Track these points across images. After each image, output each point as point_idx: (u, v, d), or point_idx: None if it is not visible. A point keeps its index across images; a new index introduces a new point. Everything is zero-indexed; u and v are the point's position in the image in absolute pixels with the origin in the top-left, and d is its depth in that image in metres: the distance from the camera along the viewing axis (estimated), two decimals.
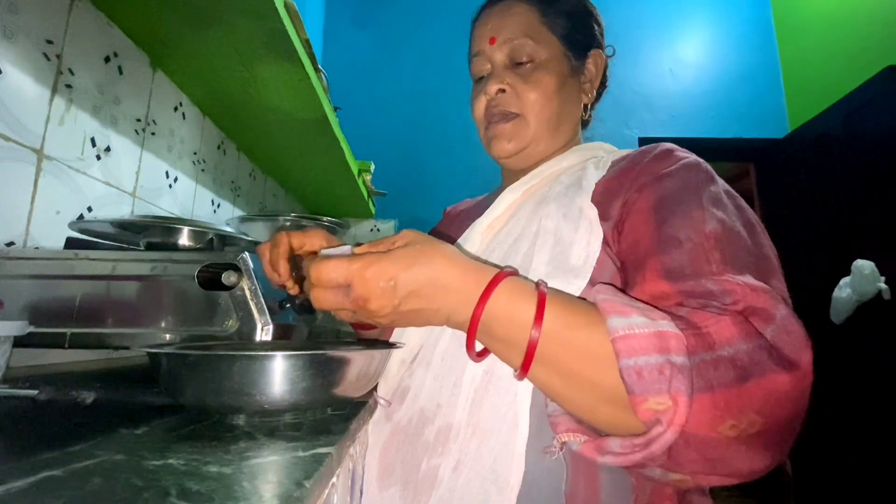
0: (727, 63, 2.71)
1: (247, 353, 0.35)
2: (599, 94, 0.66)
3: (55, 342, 0.54)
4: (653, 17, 2.76)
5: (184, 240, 0.65)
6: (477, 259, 0.40)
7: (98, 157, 0.83)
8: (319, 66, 1.09)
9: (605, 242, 0.44)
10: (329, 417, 0.39)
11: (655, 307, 0.36)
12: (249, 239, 0.70)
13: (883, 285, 1.70)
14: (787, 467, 2.24)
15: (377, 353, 0.41)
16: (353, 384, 0.39)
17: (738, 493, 2.55)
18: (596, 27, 0.63)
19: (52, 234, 0.71)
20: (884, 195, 1.83)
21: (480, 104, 0.60)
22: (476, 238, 0.54)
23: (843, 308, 1.83)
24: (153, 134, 1.00)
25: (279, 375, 0.34)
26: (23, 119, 0.66)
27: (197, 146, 1.19)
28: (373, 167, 1.90)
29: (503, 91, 0.57)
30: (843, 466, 1.91)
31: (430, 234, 0.73)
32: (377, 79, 2.68)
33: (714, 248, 0.38)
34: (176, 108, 1.08)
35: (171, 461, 0.26)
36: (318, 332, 0.70)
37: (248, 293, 0.55)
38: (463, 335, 0.37)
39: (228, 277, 0.54)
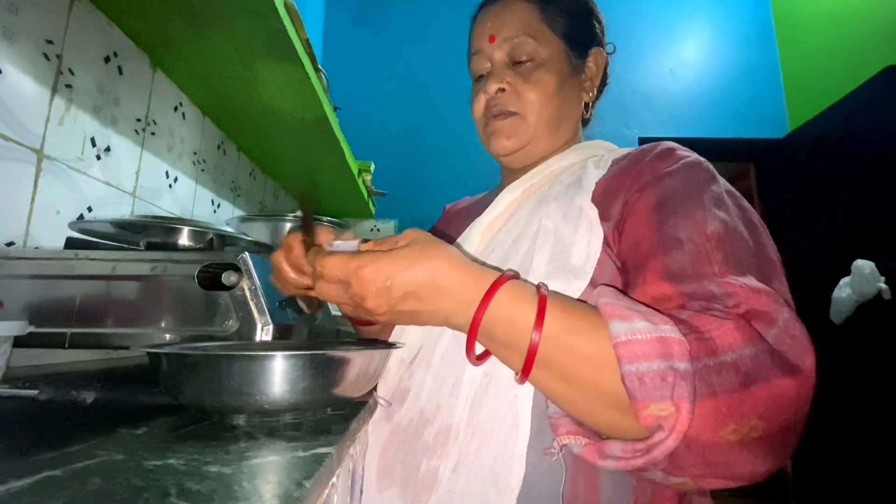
0: (727, 63, 2.71)
1: (247, 353, 0.35)
2: (600, 92, 0.65)
3: (55, 342, 0.54)
4: (653, 17, 2.77)
5: (184, 240, 0.65)
6: (477, 261, 0.40)
7: (98, 157, 0.83)
8: (319, 66, 1.09)
9: (606, 243, 0.44)
10: (329, 417, 0.39)
11: (657, 310, 0.35)
12: (249, 239, 0.70)
13: (883, 285, 1.70)
14: (787, 468, 2.24)
15: (377, 353, 0.41)
16: (353, 384, 0.39)
17: (738, 493, 2.55)
18: (596, 25, 0.63)
19: (52, 234, 0.71)
20: (884, 195, 1.83)
21: (480, 103, 0.59)
22: (475, 237, 0.54)
23: (843, 308, 1.83)
24: (153, 134, 1.00)
25: (279, 375, 0.34)
26: (23, 119, 0.66)
27: (197, 146, 1.19)
28: (373, 167, 1.90)
29: (503, 90, 0.57)
30: (843, 466, 1.91)
31: (429, 232, 0.73)
32: (377, 79, 2.68)
33: (716, 248, 0.38)
34: (176, 108, 1.08)
35: (171, 461, 0.26)
36: (318, 332, 0.70)
37: (248, 293, 0.55)
38: (463, 336, 0.37)
39: (228, 277, 0.54)
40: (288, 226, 1.10)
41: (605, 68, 0.64)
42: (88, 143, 0.80)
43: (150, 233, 0.65)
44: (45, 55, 0.70)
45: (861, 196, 1.94)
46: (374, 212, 2.23)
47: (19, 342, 0.45)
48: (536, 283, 0.39)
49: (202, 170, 1.22)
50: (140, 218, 0.71)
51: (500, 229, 0.53)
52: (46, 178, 0.70)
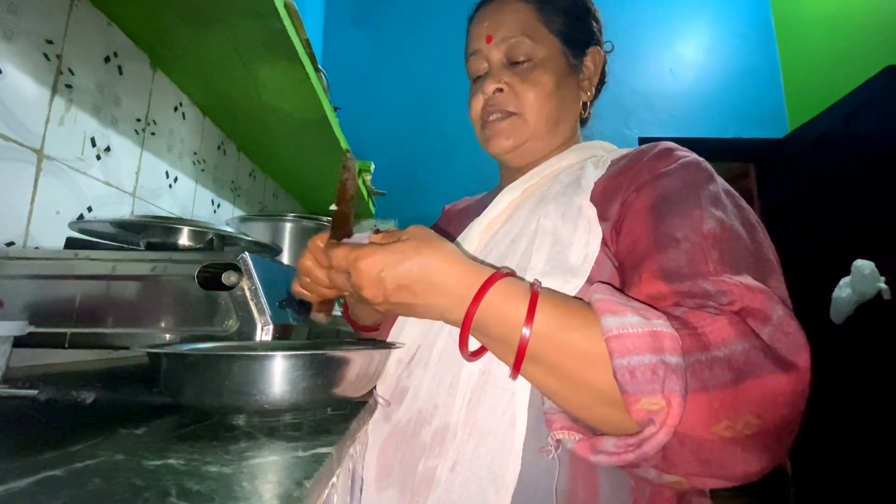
0: (727, 63, 2.71)
1: (247, 353, 0.35)
2: (598, 91, 0.65)
3: (55, 342, 0.54)
4: (653, 17, 2.77)
5: (184, 240, 0.65)
6: (475, 259, 0.40)
7: (98, 157, 0.83)
8: (319, 66, 1.09)
9: (604, 242, 0.44)
10: (329, 417, 0.39)
11: (652, 307, 0.36)
12: (249, 239, 0.70)
13: (883, 285, 1.70)
14: (787, 467, 2.24)
15: (377, 353, 0.41)
16: (353, 384, 0.39)
17: (737, 493, 2.55)
18: (594, 24, 0.63)
19: (52, 234, 0.71)
20: (884, 195, 1.83)
21: (477, 103, 0.59)
22: (474, 237, 0.54)
23: (843, 308, 1.83)
24: (153, 134, 1.00)
25: (279, 375, 0.34)
26: (23, 119, 0.66)
27: (197, 146, 1.19)
28: (373, 167, 1.90)
29: (500, 90, 0.57)
30: (843, 466, 1.91)
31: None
32: (377, 79, 2.68)
33: (712, 247, 0.38)
34: (176, 108, 1.08)
35: (171, 461, 0.26)
36: (318, 332, 0.70)
37: (248, 293, 0.55)
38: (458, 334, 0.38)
39: (228, 277, 0.54)
40: (288, 226, 1.10)
41: (604, 67, 0.64)
42: (88, 143, 0.80)
43: (150, 233, 0.65)
44: (45, 55, 0.70)
45: (861, 196, 1.94)
46: (374, 212, 2.23)
47: (19, 342, 0.45)
48: (531, 281, 0.39)
49: (202, 170, 1.22)
50: (140, 218, 0.71)
51: (498, 229, 0.53)
52: (46, 178, 0.70)
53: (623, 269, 0.43)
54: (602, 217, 0.46)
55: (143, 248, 0.65)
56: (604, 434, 0.35)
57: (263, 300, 0.55)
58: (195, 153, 1.18)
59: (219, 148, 1.31)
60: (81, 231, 0.67)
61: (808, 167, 2.27)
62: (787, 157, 2.44)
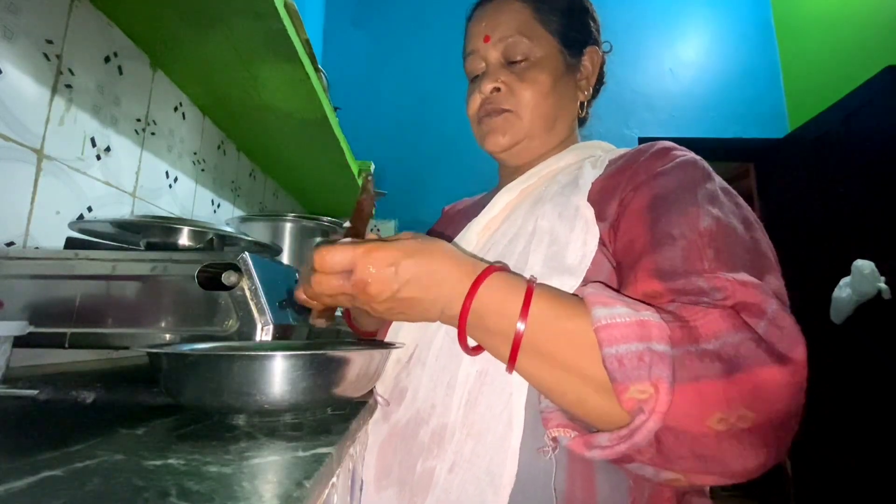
0: (727, 63, 2.71)
1: (247, 353, 0.35)
2: (597, 91, 0.65)
3: (55, 342, 0.54)
4: (653, 17, 2.77)
5: (184, 240, 0.65)
6: (473, 256, 0.40)
7: (98, 157, 0.83)
8: (319, 66, 1.09)
9: (602, 242, 0.44)
10: (329, 417, 0.40)
11: (646, 303, 0.36)
12: (249, 239, 0.70)
13: (883, 285, 1.70)
14: (787, 467, 2.24)
15: (377, 353, 0.41)
16: (353, 384, 0.39)
17: (738, 493, 2.55)
18: (591, 24, 0.63)
19: (52, 234, 0.71)
20: (884, 195, 1.83)
21: (475, 102, 0.60)
22: (472, 238, 0.54)
23: (843, 308, 1.83)
24: (153, 134, 1.00)
25: (279, 375, 0.34)
26: (23, 119, 0.66)
27: (197, 146, 1.19)
28: (373, 167, 1.90)
29: (498, 89, 0.57)
30: (843, 466, 1.91)
31: (427, 233, 0.73)
32: (377, 79, 2.68)
33: (708, 245, 0.38)
34: (176, 108, 1.08)
35: (171, 461, 0.26)
36: (318, 332, 0.70)
37: (248, 293, 0.55)
38: (456, 334, 0.38)
39: (228, 277, 0.54)
40: (288, 226, 1.10)
41: (602, 67, 0.64)
42: (88, 143, 0.80)
43: (150, 233, 0.65)
44: (45, 55, 0.70)
45: (861, 196, 1.94)
46: (374, 212, 2.23)
47: (19, 342, 0.45)
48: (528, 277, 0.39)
49: (202, 170, 1.22)
50: (140, 218, 0.71)
51: (496, 230, 0.53)
52: (46, 178, 0.70)
53: (620, 269, 0.43)
54: (600, 217, 0.46)
55: (143, 248, 0.65)
56: (598, 430, 0.35)
57: (263, 300, 0.55)
58: (195, 153, 1.18)
59: (219, 148, 1.31)
60: (81, 231, 0.67)
61: (808, 167, 2.27)
62: (787, 157, 2.44)
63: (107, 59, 0.84)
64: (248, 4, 0.76)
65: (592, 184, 0.50)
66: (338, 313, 0.76)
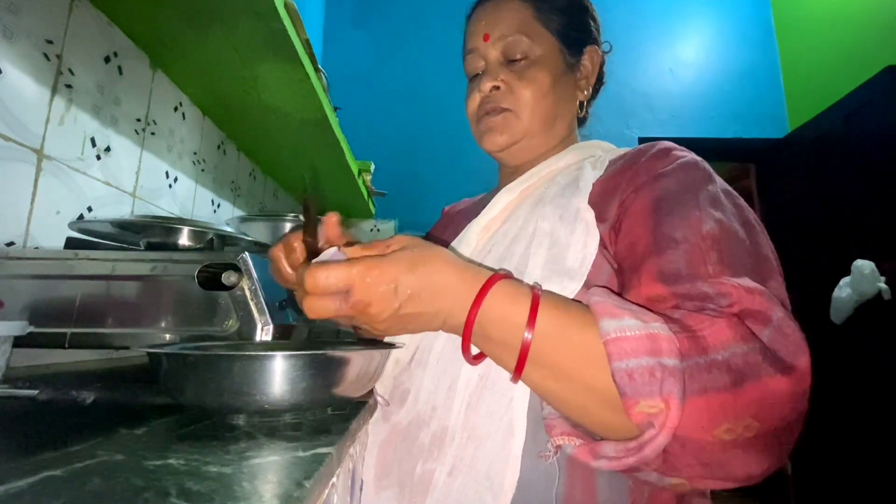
0: (727, 63, 2.71)
1: (247, 353, 0.35)
2: (596, 91, 0.65)
3: (55, 342, 0.54)
4: (653, 17, 2.76)
5: (184, 240, 0.65)
6: (473, 262, 0.40)
7: (98, 157, 0.83)
8: (319, 66, 1.09)
9: (603, 244, 0.44)
10: (329, 417, 0.39)
11: (650, 310, 0.35)
12: (249, 239, 0.70)
13: (883, 285, 1.70)
14: (787, 468, 2.24)
15: (377, 353, 0.41)
16: (353, 384, 0.39)
17: (737, 493, 2.55)
18: (591, 23, 0.62)
19: (52, 234, 0.71)
20: (884, 195, 1.83)
21: (474, 101, 0.59)
22: (472, 239, 0.54)
23: (843, 308, 1.83)
24: (153, 134, 1.00)
25: (279, 375, 0.34)
26: (23, 119, 0.66)
27: (197, 146, 1.19)
28: (373, 167, 1.90)
29: (497, 88, 0.57)
30: (843, 466, 1.91)
31: (426, 234, 0.73)
32: (377, 79, 2.68)
33: (711, 249, 0.38)
34: (176, 108, 1.08)
35: (171, 461, 0.26)
36: (318, 332, 0.70)
37: (248, 293, 0.55)
38: (458, 338, 0.37)
39: (228, 277, 0.54)
40: (288, 226, 1.10)
41: (601, 67, 0.64)
42: (88, 143, 0.80)
43: (150, 233, 0.65)
44: (45, 55, 0.70)
45: (861, 196, 1.94)
46: (374, 212, 2.23)
47: (19, 342, 0.45)
48: (531, 284, 0.39)
49: (202, 170, 1.22)
50: (140, 218, 0.71)
51: (496, 231, 0.53)
52: (46, 178, 0.70)
53: (622, 271, 0.43)
54: (600, 218, 0.46)
55: (143, 248, 0.65)
56: (604, 439, 0.35)
57: (263, 300, 0.55)
58: (195, 153, 1.18)
59: (219, 148, 1.31)
60: (81, 231, 0.67)
61: (808, 167, 2.27)
62: (787, 157, 2.44)
63: (107, 59, 0.84)
64: (248, 4, 0.76)
65: (593, 185, 0.49)
66: None
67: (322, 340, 0.71)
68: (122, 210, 0.90)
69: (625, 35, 2.66)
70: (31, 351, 0.55)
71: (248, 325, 0.54)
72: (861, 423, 1.85)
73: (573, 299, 0.40)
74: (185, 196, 1.14)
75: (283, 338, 0.56)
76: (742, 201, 0.44)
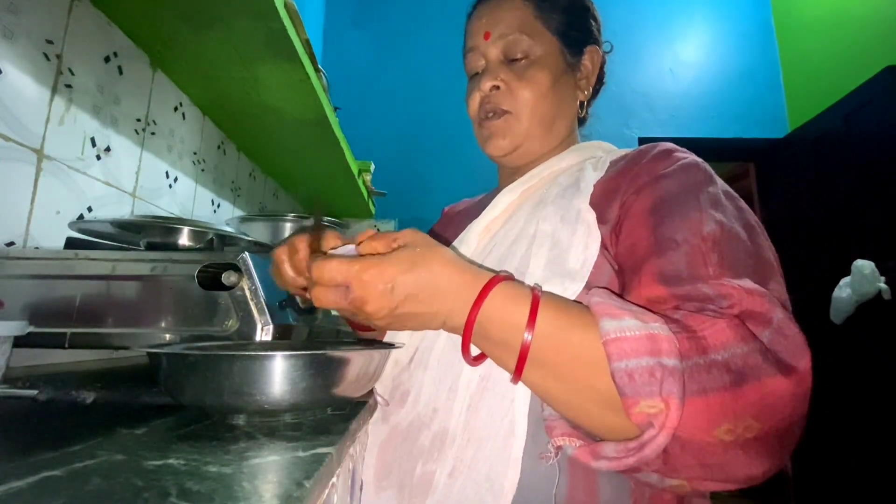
0: (727, 63, 2.71)
1: (247, 353, 0.35)
2: (597, 91, 0.65)
3: (55, 342, 0.54)
4: (653, 17, 2.76)
5: (184, 240, 0.65)
6: (474, 263, 0.40)
7: (98, 157, 0.83)
8: (319, 66, 1.09)
9: (604, 245, 0.44)
10: (329, 417, 0.39)
11: (650, 311, 0.35)
12: (249, 239, 0.70)
13: (883, 285, 1.70)
14: (787, 468, 2.24)
15: (377, 353, 0.41)
16: (353, 384, 0.39)
17: (738, 493, 2.55)
18: (592, 23, 0.62)
19: (52, 234, 0.71)
20: (884, 195, 1.83)
21: (475, 101, 0.59)
22: (472, 239, 0.53)
23: (843, 308, 1.83)
24: (153, 134, 1.00)
25: (279, 375, 0.34)
26: (23, 119, 0.66)
27: (197, 146, 1.19)
28: (373, 167, 1.90)
29: (497, 88, 0.57)
30: (843, 466, 1.91)
31: (428, 233, 0.73)
32: (377, 79, 2.68)
33: (711, 250, 0.38)
34: (176, 108, 1.08)
35: (171, 461, 0.26)
36: (317, 332, 0.70)
37: (248, 293, 0.55)
38: (458, 339, 0.38)
39: (228, 277, 0.54)
40: (288, 226, 1.10)
41: (602, 67, 0.64)
42: (88, 143, 0.80)
43: (150, 233, 0.65)
44: (45, 55, 0.70)
45: (861, 196, 1.94)
46: (374, 212, 2.23)
47: (19, 342, 0.45)
48: (532, 285, 0.39)
49: (202, 170, 1.22)
50: (140, 218, 0.71)
51: (497, 231, 0.53)
52: (46, 178, 0.70)
53: (622, 273, 0.43)
54: (601, 220, 0.45)
55: (143, 248, 0.65)
56: (604, 440, 0.35)
57: (263, 300, 0.55)
58: (195, 153, 1.18)
59: (219, 148, 1.31)
60: (81, 231, 0.67)
61: (808, 167, 2.27)
62: (787, 157, 2.44)
63: (107, 59, 0.84)
64: (248, 4, 0.76)
65: (594, 186, 0.49)
66: (335, 312, 0.76)
67: (322, 340, 0.71)
68: (122, 210, 0.90)
69: (625, 35, 2.66)
70: (31, 351, 0.55)
71: (248, 325, 0.54)
72: (861, 423, 1.85)
73: (574, 300, 0.40)
74: (185, 196, 1.14)
75: (283, 338, 0.56)
76: (743, 203, 0.43)
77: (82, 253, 0.57)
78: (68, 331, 0.54)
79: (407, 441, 0.44)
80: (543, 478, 0.38)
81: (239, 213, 1.44)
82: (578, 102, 0.61)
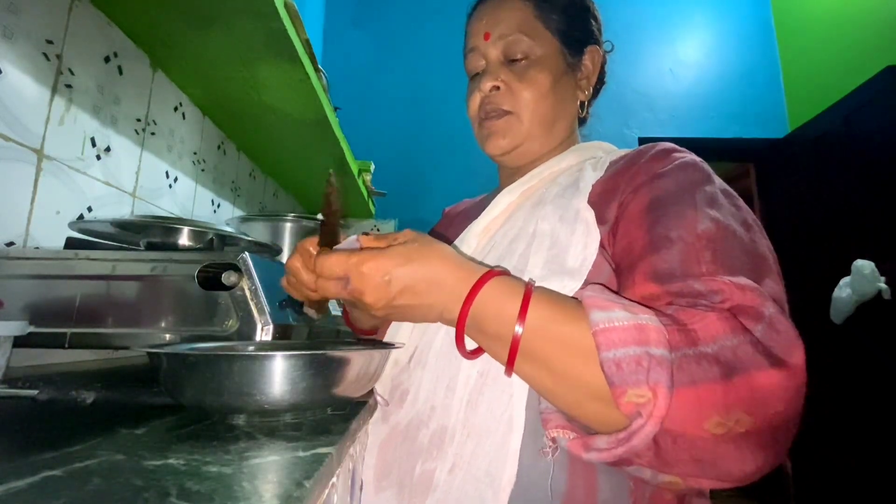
0: (727, 63, 2.71)
1: (247, 353, 0.35)
2: (597, 91, 0.65)
3: (55, 342, 0.54)
4: (653, 17, 2.76)
5: (184, 240, 0.65)
6: (473, 261, 0.40)
7: (98, 157, 0.83)
8: (319, 66, 1.09)
9: (602, 245, 0.44)
10: (329, 417, 0.40)
11: (644, 306, 0.36)
12: (249, 239, 0.70)
13: (883, 285, 1.70)
14: (787, 467, 2.24)
15: (377, 353, 0.41)
16: (353, 384, 0.39)
17: (738, 493, 2.55)
18: (593, 23, 0.62)
19: (52, 234, 0.71)
20: (884, 195, 1.83)
21: (475, 101, 0.59)
22: (472, 240, 0.54)
23: (843, 308, 1.83)
24: (153, 134, 1.00)
25: (279, 375, 0.34)
26: (23, 119, 0.66)
27: (197, 146, 1.19)
28: (373, 167, 1.90)
29: (497, 88, 0.57)
30: (843, 466, 1.91)
31: (428, 233, 0.73)
32: (377, 79, 2.68)
33: (705, 248, 0.38)
34: (176, 108, 1.08)
35: (171, 461, 0.26)
36: (317, 332, 0.70)
37: (248, 293, 0.55)
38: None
39: (228, 277, 0.54)
40: (288, 226, 1.10)
41: (602, 67, 0.64)
42: (88, 143, 0.80)
43: (150, 233, 0.65)
44: (45, 55, 0.70)
45: (861, 196, 1.94)
46: (374, 212, 2.23)
47: (19, 342, 0.45)
48: (527, 280, 0.39)
49: (202, 170, 1.22)
50: (140, 218, 0.71)
51: (496, 231, 0.53)
52: (46, 178, 0.70)
53: (619, 272, 0.43)
54: (600, 220, 0.46)
55: (143, 248, 0.65)
56: (596, 433, 0.35)
57: (263, 300, 0.55)
58: (195, 153, 1.18)
59: (219, 148, 1.31)
60: (81, 231, 0.67)
61: (808, 167, 2.27)
62: (787, 157, 2.44)
63: (107, 59, 0.84)
64: (248, 4, 0.76)
65: (593, 186, 0.49)
66: (337, 312, 0.76)
67: (322, 340, 0.71)
68: (122, 210, 0.90)
69: (625, 35, 2.66)
70: (31, 351, 0.55)
71: (248, 325, 0.54)
72: (861, 423, 1.85)
73: (568, 296, 0.40)
74: (185, 196, 1.14)
75: (283, 338, 0.56)
76: (741, 202, 0.43)
77: (82, 253, 0.57)
78: (68, 331, 0.54)
79: (406, 440, 0.44)
80: (543, 473, 0.38)
81: (239, 213, 1.44)
82: (579, 102, 0.61)
